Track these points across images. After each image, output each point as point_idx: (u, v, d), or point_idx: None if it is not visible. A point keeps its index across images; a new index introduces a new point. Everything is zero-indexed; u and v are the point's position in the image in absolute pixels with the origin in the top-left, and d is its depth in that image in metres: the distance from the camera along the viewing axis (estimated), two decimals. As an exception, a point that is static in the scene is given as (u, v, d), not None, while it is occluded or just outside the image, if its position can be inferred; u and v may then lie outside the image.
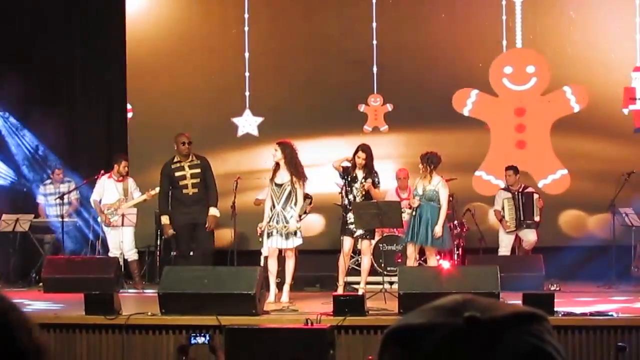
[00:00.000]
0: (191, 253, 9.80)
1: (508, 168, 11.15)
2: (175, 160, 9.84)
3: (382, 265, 9.91)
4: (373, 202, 9.18)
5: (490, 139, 12.06)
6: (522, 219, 10.92)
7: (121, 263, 10.62)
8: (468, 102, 12.08)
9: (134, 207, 10.97)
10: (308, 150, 11.57)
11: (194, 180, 9.77)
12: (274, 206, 8.92)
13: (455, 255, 10.68)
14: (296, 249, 9.10)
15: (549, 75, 12.01)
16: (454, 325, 1.04)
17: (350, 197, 9.25)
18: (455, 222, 10.73)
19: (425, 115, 11.95)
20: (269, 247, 9.02)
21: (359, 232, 9.23)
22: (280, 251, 9.04)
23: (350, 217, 9.19)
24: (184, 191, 9.73)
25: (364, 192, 9.22)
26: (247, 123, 12.34)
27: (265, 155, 10.65)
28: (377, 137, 12.03)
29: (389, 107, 12.20)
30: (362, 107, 12.23)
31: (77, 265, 10.08)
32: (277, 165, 8.98)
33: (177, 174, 9.77)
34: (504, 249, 11.00)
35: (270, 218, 8.94)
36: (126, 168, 11.10)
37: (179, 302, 7.58)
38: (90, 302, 7.55)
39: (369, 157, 9.25)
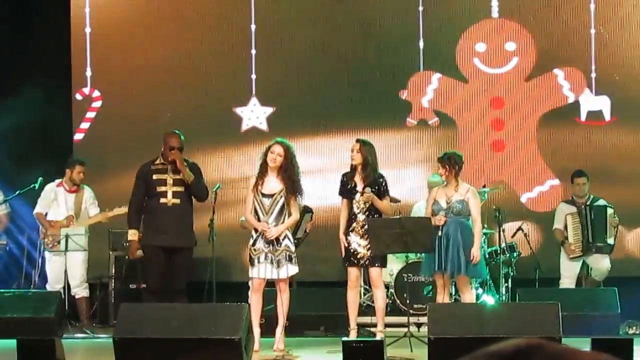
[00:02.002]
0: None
1: (579, 174, 11.02)
2: (158, 162, 9.71)
3: (407, 301, 9.82)
4: (395, 219, 9.13)
5: (457, 138, 11.96)
6: (591, 240, 10.89)
7: (65, 299, 10.59)
8: (428, 89, 12.06)
9: (85, 227, 10.89)
10: (330, 150, 11.57)
11: (177, 189, 9.60)
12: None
13: (503, 288, 10.61)
14: (292, 279, 9.03)
15: (535, 54, 11.91)
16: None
17: (353, 212, 9.10)
18: (503, 244, 10.65)
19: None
20: (254, 277, 8.93)
21: (366, 256, 9.04)
22: (269, 283, 8.92)
23: (353, 240, 9.05)
24: (162, 200, 9.56)
25: (366, 206, 9.06)
26: (254, 115, 12.46)
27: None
28: (424, 132, 11.93)
29: None
30: (404, 94, 12.15)
31: (7, 301, 10.08)
32: (266, 170, 8.84)
33: (156, 177, 9.63)
34: (568, 280, 11.08)
35: (255, 239, 8.84)
36: (81, 175, 11.08)
37: (140, 350, 7.60)
38: (25, 349, 7.58)
39: (367, 153, 9.08)
